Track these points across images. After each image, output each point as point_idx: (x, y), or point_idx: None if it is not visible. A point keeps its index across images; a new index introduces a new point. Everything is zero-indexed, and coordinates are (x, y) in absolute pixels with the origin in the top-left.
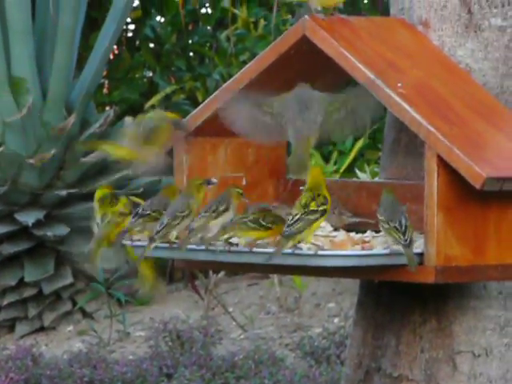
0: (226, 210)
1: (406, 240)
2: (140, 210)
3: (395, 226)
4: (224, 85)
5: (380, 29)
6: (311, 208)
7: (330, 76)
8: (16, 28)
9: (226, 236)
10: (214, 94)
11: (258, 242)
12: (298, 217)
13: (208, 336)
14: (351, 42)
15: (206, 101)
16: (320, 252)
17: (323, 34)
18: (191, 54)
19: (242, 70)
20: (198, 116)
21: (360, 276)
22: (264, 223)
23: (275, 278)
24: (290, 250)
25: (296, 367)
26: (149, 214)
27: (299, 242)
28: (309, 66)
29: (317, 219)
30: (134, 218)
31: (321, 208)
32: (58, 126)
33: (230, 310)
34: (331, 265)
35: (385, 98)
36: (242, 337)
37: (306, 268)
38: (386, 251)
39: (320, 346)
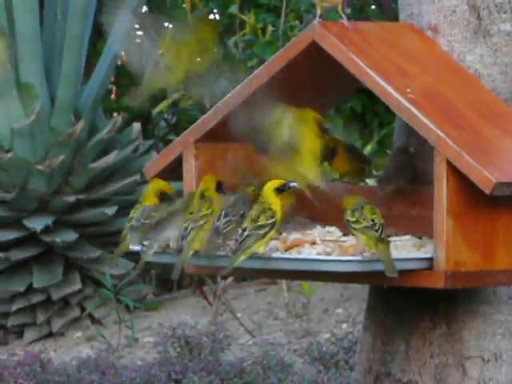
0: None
1: (381, 236)
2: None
3: (367, 226)
4: (233, 90)
5: (389, 34)
6: (259, 223)
7: (339, 81)
8: (24, 35)
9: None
10: (222, 100)
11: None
12: (247, 233)
13: (216, 342)
14: (360, 47)
15: (214, 107)
16: (326, 257)
17: (332, 40)
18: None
19: (250, 76)
20: (206, 122)
21: (369, 281)
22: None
23: (283, 283)
24: (298, 255)
25: (304, 373)
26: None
27: (251, 255)
28: (318, 72)
29: (266, 233)
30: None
31: (270, 221)
32: (66, 132)
33: (239, 315)
34: (337, 270)
35: (394, 103)
36: (250, 342)
37: (314, 273)
38: (397, 256)
39: (328, 352)
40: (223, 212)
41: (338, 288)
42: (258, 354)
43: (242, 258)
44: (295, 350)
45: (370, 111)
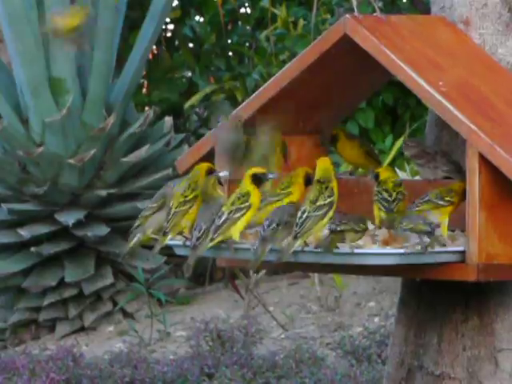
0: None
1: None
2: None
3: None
4: (265, 84)
5: (421, 27)
6: (319, 203)
7: (371, 74)
8: None
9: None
10: (255, 94)
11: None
12: (306, 214)
13: (249, 335)
14: (392, 40)
15: (246, 100)
16: (361, 250)
17: (364, 33)
18: (230, 53)
19: (283, 69)
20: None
21: (402, 275)
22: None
23: (316, 277)
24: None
25: (337, 366)
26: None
27: (307, 238)
28: (350, 65)
29: (326, 213)
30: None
31: (328, 201)
32: (97, 126)
33: (271, 309)
34: (371, 263)
35: (426, 96)
36: (282, 336)
37: (347, 266)
38: (430, 249)
39: (361, 345)
40: (268, 221)
41: (370, 281)
42: (291, 348)
43: (300, 242)
44: (327, 343)
45: (401, 104)
